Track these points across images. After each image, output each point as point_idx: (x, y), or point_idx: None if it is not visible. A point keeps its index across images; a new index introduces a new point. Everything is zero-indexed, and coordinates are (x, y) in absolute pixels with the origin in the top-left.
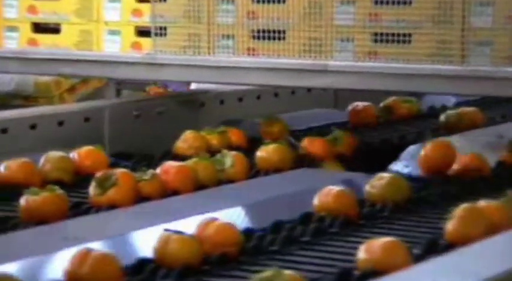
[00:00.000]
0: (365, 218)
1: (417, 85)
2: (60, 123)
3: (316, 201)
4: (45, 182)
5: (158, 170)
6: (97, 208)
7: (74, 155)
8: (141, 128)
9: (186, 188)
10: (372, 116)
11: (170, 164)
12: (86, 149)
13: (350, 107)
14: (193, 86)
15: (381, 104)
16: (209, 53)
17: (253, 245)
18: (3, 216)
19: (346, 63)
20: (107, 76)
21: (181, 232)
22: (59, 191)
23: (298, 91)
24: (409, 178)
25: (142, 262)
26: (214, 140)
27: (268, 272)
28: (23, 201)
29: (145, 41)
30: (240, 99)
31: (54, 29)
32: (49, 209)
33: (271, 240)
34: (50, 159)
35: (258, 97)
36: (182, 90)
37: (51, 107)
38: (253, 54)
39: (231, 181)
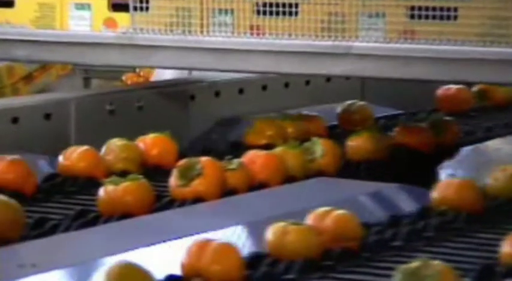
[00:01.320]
0: (489, 212)
1: (465, 72)
2: (14, 121)
3: (435, 194)
4: (108, 175)
5: (242, 160)
6: (181, 201)
7: (139, 143)
8: (115, 127)
9: (275, 179)
10: (467, 102)
11: (256, 153)
12: (152, 136)
13: (439, 90)
14: (181, 74)
15: (475, 88)
16: (202, 32)
17: (374, 240)
18: (81, 210)
19: (375, 44)
20: (72, 61)
21: (299, 223)
22: (143, 180)
23: (314, 81)
24: None
25: (257, 256)
26: (289, 127)
27: (415, 263)
28: (102, 192)
29: (121, 17)
30: (241, 91)
31: (6, 2)
32: (132, 200)
33: (392, 235)
34: (113, 148)
35: (264, 88)
36: (167, 80)
37: (2, 100)
38: (257, 34)
39: (321, 171)
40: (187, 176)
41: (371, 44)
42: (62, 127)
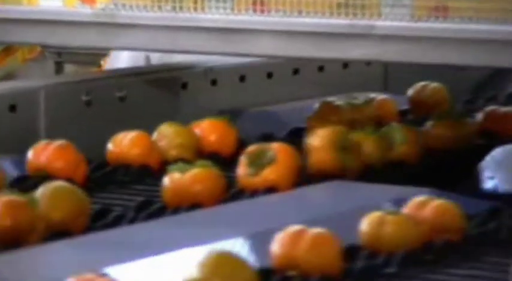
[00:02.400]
0: None
1: (506, 56)
2: None
3: None
4: (161, 163)
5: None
6: (251, 191)
7: (195, 129)
8: (93, 121)
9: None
10: None
11: None
12: (209, 121)
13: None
14: (170, 59)
15: None
16: (196, 9)
17: (478, 233)
18: (145, 200)
19: (401, 24)
20: (42, 43)
21: (397, 212)
22: (213, 167)
23: (328, 67)
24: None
25: (351, 248)
26: (356, 113)
27: None
28: (167, 180)
29: None
30: (242, 79)
31: None
32: (202, 189)
33: (495, 228)
34: (165, 133)
35: (269, 75)
36: (154, 65)
37: None
38: (261, 11)
39: (401, 161)
40: (258, 163)
41: (396, 23)
42: (29, 121)
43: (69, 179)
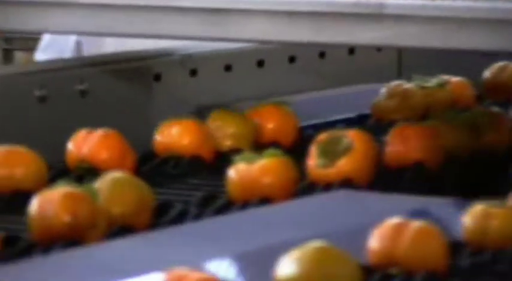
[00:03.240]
0: None
1: None
2: None
3: None
4: (214, 154)
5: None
6: (325, 184)
7: (251, 116)
8: (48, 120)
9: (432, 159)
10: None
11: (410, 126)
12: (267, 107)
13: None
14: (139, 45)
15: None
16: None
17: None
18: (207, 194)
19: (417, 2)
20: None
21: (503, 204)
22: (283, 156)
23: (331, 53)
24: None
25: (453, 244)
26: (429, 97)
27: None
28: (233, 172)
29: None
30: (228, 68)
31: None
32: (273, 182)
33: None
34: (218, 121)
35: (260, 64)
36: (121, 52)
37: None
38: None
39: (489, 151)
40: (331, 153)
41: (410, 2)
42: None
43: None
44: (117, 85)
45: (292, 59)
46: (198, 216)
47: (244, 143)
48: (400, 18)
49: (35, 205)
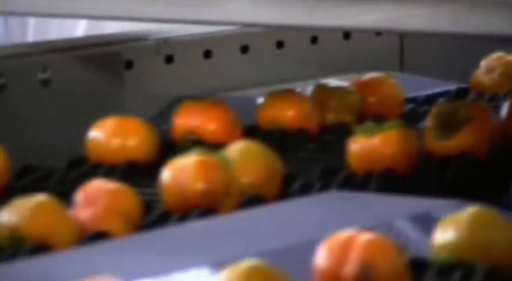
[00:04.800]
0: None
1: None
2: None
3: None
4: (319, 127)
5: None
6: (442, 157)
7: (353, 87)
8: (6, 114)
9: None
10: None
11: None
12: (369, 78)
13: None
14: (108, 29)
15: None
16: None
17: None
18: (328, 166)
19: None
20: None
21: None
22: (404, 127)
23: (324, 37)
24: None
25: None
26: None
27: None
28: (355, 144)
29: None
30: (207, 55)
31: None
32: (397, 153)
33: None
34: (327, 93)
35: (244, 49)
36: (88, 37)
37: None
38: None
39: None
40: (449, 125)
41: None
42: None
43: (222, 144)
44: (83, 73)
45: (280, 44)
46: (322, 188)
47: (349, 115)
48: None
49: (168, 173)
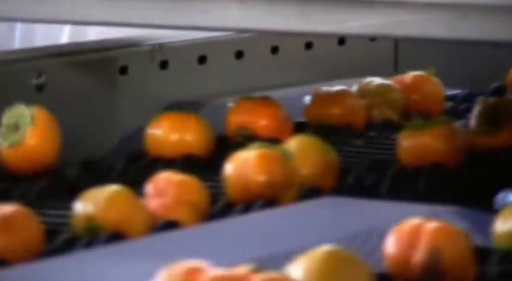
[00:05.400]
0: None
1: None
2: None
3: None
4: (365, 123)
5: None
6: (489, 152)
7: (395, 84)
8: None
9: None
10: None
11: None
12: (412, 76)
13: None
14: (100, 34)
15: None
16: None
17: None
18: (377, 160)
19: None
20: None
21: None
22: (452, 123)
23: (319, 43)
24: None
25: None
26: None
27: None
28: (405, 140)
29: None
30: (202, 60)
31: None
32: (446, 148)
33: None
34: (366, 90)
35: (239, 55)
36: (82, 42)
37: None
38: None
39: None
40: (495, 120)
41: None
42: None
43: (274, 139)
44: (78, 79)
45: (274, 50)
46: (375, 184)
47: (394, 112)
48: (396, 4)
49: (231, 166)
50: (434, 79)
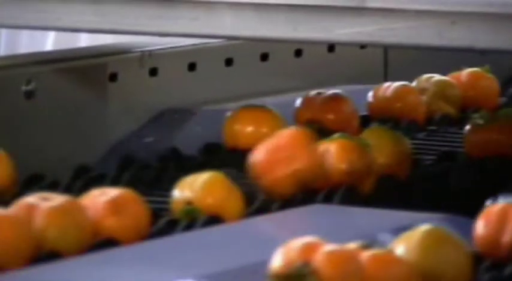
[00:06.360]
0: None
1: None
2: None
3: None
4: (427, 118)
5: None
6: None
7: (453, 80)
8: None
9: None
10: None
11: None
12: (469, 71)
13: None
14: (92, 41)
15: None
16: None
17: None
18: (445, 151)
19: None
20: None
21: None
22: None
23: (308, 51)
24: None
25: None
26: None
27: None
28: (472, 133)
29: None
30: (192, 67)
31: None
32: (509, 140)
33: None
34: (425, 85)
35: (228, 62)
36: (72, 49)
37: None
38: None
39: None
40: None
41: None
42: None
43: (342, 132)
44: (67, 86)
45: (264, 57)
46: (444, 174)
47: (452, 107)
48: (385, 11)
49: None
50: (489, 75)
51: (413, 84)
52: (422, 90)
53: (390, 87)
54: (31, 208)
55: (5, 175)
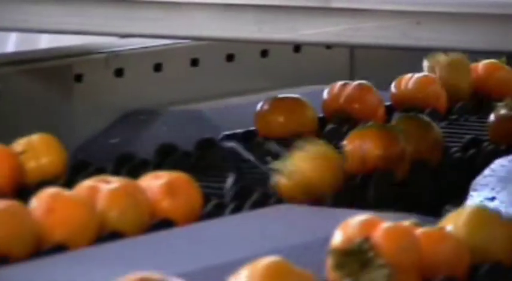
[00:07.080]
0: None
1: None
2: None
3: None
4: (447, 107)
5: None
6: None
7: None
8: None
9: None
10: None
11: None
12: (486, 62)
13: None
14: (54, 42)
15: None
16: None
17: None
18: (472, 138)
19: None
20: None
21: None
22: None
23: (274, 51)
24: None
25: None
26: None
27: None
28: (497, 119)
29: None
30: (157, 68)
31: None
32: None
33: None
34: (442, 70)
35: (194, 63)
36: (39, 50)
37: None
38: None
39: None
40: None
41: None
42: None
43: (367, 121)
44: (33, 87)
45: (230, 58)
46: (472, 159)
47: (467, 97)
48: (351, 12)
49: (352, 140)
50: (506, 67)
51: (425, 62)
52: (434, 66)
53: (412, 78)
54: (94, 189)
55: (60, 161)
